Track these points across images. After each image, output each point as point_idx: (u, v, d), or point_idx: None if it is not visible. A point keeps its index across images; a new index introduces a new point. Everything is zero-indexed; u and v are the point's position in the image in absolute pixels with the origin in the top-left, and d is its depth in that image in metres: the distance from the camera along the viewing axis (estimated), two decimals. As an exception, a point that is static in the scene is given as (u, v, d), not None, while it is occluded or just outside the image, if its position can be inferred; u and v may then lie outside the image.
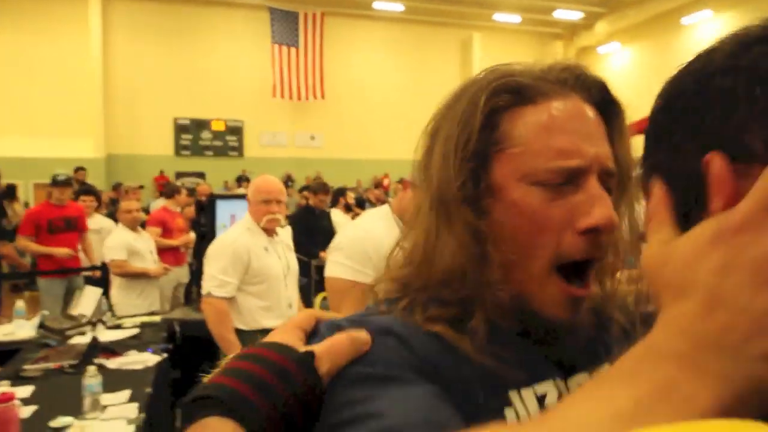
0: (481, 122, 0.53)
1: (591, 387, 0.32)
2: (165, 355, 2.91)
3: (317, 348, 0.48)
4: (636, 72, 16.04)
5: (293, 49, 15.02)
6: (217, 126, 14.87)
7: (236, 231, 2.54)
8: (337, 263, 1.93)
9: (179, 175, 13.58)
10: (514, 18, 16.22)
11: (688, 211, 0.34)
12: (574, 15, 16.13)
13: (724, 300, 0.28)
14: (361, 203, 8.75)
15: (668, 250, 0.32)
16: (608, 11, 15.76)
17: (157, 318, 3.70)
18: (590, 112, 0.56)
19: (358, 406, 0.45)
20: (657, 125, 0.39)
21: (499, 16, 16.18)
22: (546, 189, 0.52)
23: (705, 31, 13.95)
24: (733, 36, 0.37)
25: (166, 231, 5.06)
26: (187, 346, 3.33)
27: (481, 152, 0.53)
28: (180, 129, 14.56)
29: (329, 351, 0.48)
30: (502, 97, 0.54)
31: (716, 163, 0.32)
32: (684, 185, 0.35)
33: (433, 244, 0.55)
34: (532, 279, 0.52)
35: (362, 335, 0.49)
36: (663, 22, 14.67)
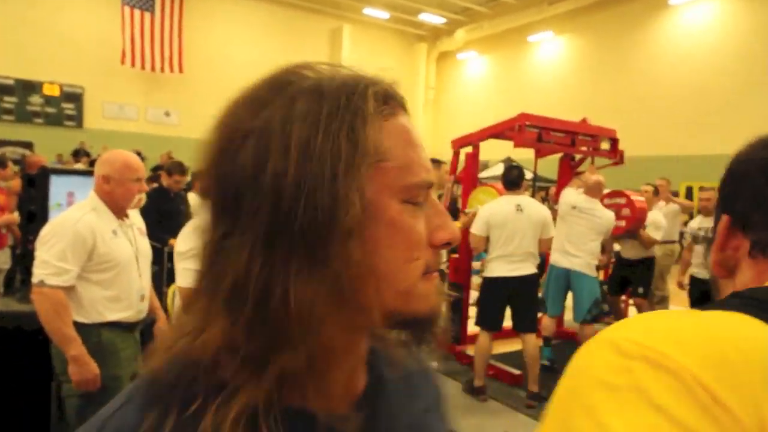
0: (352, 130, 0.45)
1: None
2: (-23, 354, 2.48)
3: None
4: (489, 78, 17.47)
5: (147, 14, 13.67)
6: (51, 90, 13.00)
7: (79, 211, 2.22)
8: (190, 271, 1.80)
9: (-2, 143, 11.64)
10: (383, 14, 16.61)
11: None
12: (438, 20, 17.03)
13: None
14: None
15: None
16: (468, 20, 16.91)
17: (-34, 310, 3.13)
18: None
19: None
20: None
21: (369, 11, 16.45)
22: (413, 205, 0.47)
23: (547, 48, 15.70)
24: None
25: (-19, 208, 4.30)
26: (6, 342, 2.87)
27: (351, 166, 0.44)
28: (1, 90, 12.44)
29: None
30: (377, 105, 0.47)
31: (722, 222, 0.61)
32: None
33: (250, 291, 0.43)
34: (409, 288, 0.47)
35: None
36: (512, 38, 16.17)
